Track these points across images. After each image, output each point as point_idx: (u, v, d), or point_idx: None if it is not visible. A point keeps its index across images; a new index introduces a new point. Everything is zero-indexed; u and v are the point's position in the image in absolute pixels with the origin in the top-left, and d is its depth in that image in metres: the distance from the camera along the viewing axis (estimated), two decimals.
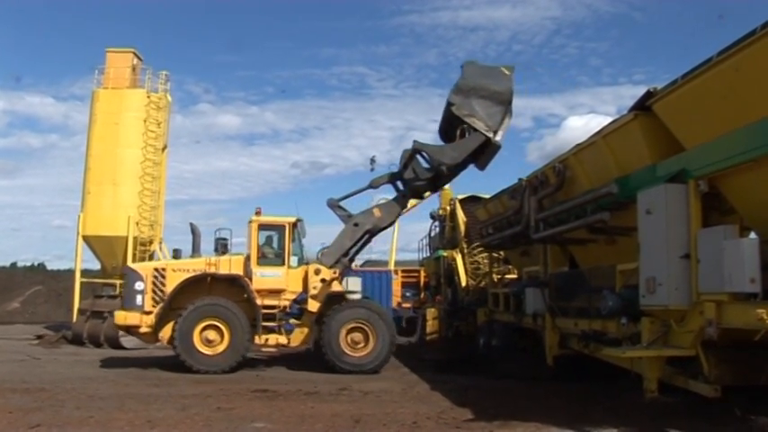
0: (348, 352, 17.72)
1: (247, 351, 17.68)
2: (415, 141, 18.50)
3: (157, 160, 31.32)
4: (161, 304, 17.62)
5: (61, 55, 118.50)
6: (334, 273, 18.33)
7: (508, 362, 16.75)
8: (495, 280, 21.67)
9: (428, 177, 18.57)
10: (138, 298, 17.74)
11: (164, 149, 32.23)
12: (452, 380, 15.24)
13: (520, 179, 15.94)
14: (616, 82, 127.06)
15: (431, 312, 27.57)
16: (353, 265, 34.75)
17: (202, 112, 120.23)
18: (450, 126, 18.18)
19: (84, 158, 31.37)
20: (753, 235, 9.22)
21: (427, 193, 21.80)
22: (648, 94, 10.20)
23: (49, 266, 73.43)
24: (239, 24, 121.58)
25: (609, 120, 12.04)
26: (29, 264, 77.06)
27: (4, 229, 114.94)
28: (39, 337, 26.98)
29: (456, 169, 18.52)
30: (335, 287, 18.51)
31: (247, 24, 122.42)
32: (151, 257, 29.57)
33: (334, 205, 19.08)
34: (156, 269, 18.15)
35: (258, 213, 18.74)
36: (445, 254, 27.14)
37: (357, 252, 19.88)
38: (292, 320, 18.51)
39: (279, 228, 18.75)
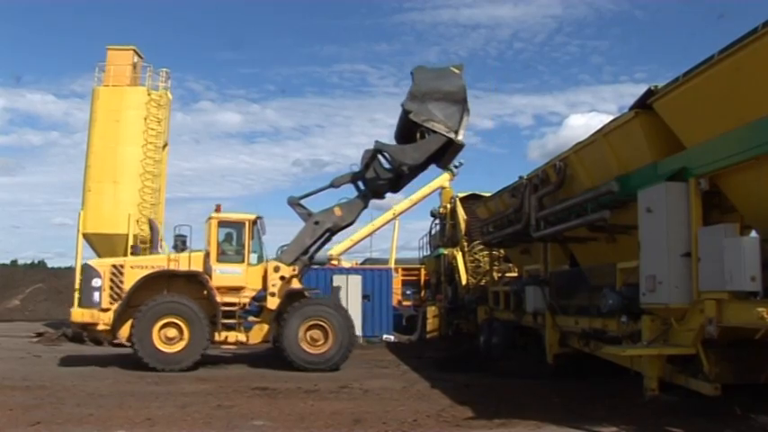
0: (307, 349, 17.62)
1: (206, 348, 17.51)
2: (376, 142, 18.67)
3: (158, 158, 31.31)
4: (119, 302, 17.43)
5: (62, 52, 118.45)
6: (294, 270, 18.32)
7: (508, 360, 16.75)
8: (496, 278, 21.69)
9: (389, 178, 18.74)
10: (96, 295, 17.53)
11: (164, 147, 32.23)
12: (452, 378, 15.24)
13: (520, 177, 15.95)
14: (617, 80, 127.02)
15: (431, 310, 27.70)
16: (354, 262, 35.13)
17: (203, 110, 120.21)
18: (409, 131, 18.41)
19: (85, 156, 31.38)
20: (753, 233, 9.21)
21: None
22: (649, 93, 10.20)
23: (50, 264, 73.75)
24: (240, 22, 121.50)
25: (610, 118, 12.05)
26: (29, 261, 77.34)
27: (5, 227, 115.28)
28: (39, 334, 26.97)
29: (417, 170, 18.76)
30: (295, 284, 18.48)
31: (248, 22, 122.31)
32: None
33: (294, 203, 19.15)
34: (114, 266, 17.89)
35: (218, 210, 18.75)
36: (446, 252, 27.21)
37: (317, 250, 19.80)
38: (251, 318, 18.41)
39: (239, 225, 18.71)
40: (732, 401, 9.68)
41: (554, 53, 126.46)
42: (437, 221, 30.12)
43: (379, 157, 18.61)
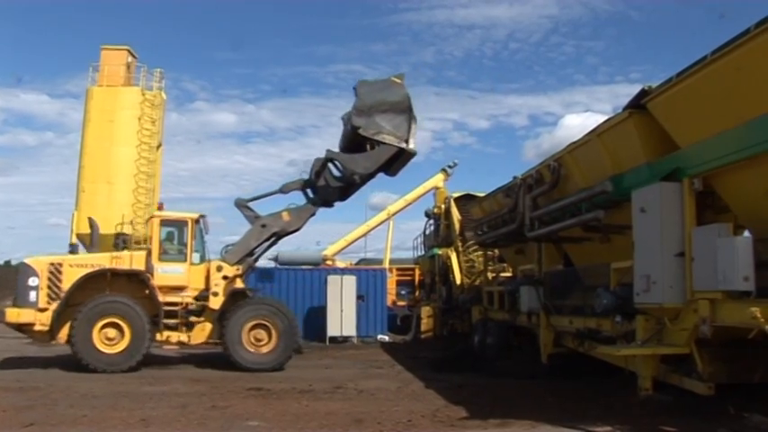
0: (250, 349, 17.54)
1: (148, 349, 17.23)
2: (328, 151, 18.79)
3: (152, 158, 31.33)
4: (58, 301, 17.07)
5: (56, 52, 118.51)
6: (237, 270, 18.19)
7: (503, 360, 16.78)
8: (490, 278, 21.70)
9: (340, 186, 18.81)
10: (32, 294, 17.08)
11: (158, 147, 32.24)
12: (447, 378, 15.24)
13: (515, 177, 15.97)
14: (612, 80, 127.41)
15: (426, 310, 27.73)
16: (349, 262, 35.12)
17: (198, 110, 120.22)
18: (357, 144, 18.61)
19: (79, 156, 31.36)
20: (746, 233, 9.23)
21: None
22: (643, 93, 10.21)
23: None
24: (236, 22, 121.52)
25: (605, 118, 12.07)
26: None
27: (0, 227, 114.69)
28: None
29: (368, 178, 18.84)
30: (238, 284, 18.37)
31: (244, 22, 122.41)
32: None
33: (241, 205, 19.11)
34: (52, 264, 17.43)
35: (160, 208, 18.72)
36: (440, 252, 27.25)
37: (262, 253, 19.74)
38: (193, 318, 18.14)
39: (181, 223, 18.53)
40: (726, 401, 9.70)
41: (550, 53, 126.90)
42: (431, 221, 30.13)
43: (330, 165, 18.70)
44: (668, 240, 9.66)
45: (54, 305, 17.06)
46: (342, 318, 25.74)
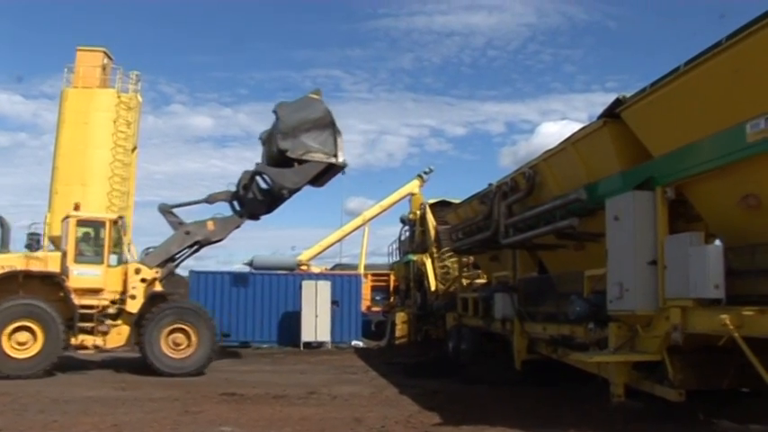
0: (169, 354, 17.26)
1: (62, 353, 16.71)
2: (257, 164, 18.99)
3: (127, 161, 31.15)
4: None
5: (31, 53, 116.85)
6: (157, 272, 17.99)
7: (477, 366, 16.78)
8: (465, 284, 21.76)
9: (267, 200, 18.94)
10: None
11: (133, 150, 32.08)
12: (421, 384, 15.24)
13: (490, 184, 16.03)
14: (589, 89, 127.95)
15: (400, 316, 27.77)
16: (323, 268, 35.10)
17: (174, 113, 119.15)
18: (284, 162, 18.72)
19: (53, 158, 31.10)
20: (717, 242, 9.33)
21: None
22: (617, 102, 10.31)
23: None
24: (214, 25, 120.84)
25: (581, 126, 12.16)
26: None
27: None
28: None
29: (296, 192, 19.01)
30: (157, 287, 18.10)
31: (223, 25, 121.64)
32: None
33: (165, 211, 19.14)
34: None
35: (76, 208, 18.23)
36: (415, 258, 27.29)
37: (183, 259, 19.69)
38: (110, 321, 17.67)
39: (98, 224, 18.19)
40: (696, 407, 9.80)
41: (527, 61, 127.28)
42: (407, 228, 30.19)
43: (258, 178, 18.78)
44: (641, 248, 9.76)
45: None
46: (316, 323, 25.76)
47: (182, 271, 22.78)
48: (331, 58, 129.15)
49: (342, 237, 36.44)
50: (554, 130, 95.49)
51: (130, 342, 17.88)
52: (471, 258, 21.54)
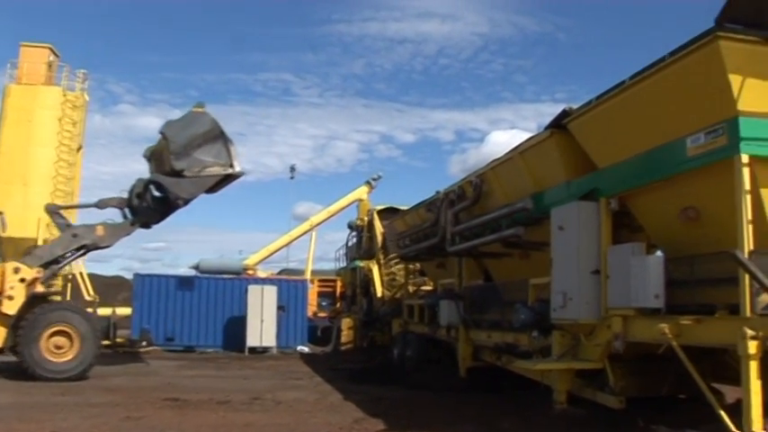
0: (50, 357, 16.57)
1: None
2: (152, 173, 18.72)
3: (72, 161, 30.66)
4: None
5: None
6: (39, 273, 17.32)
7: (422, 373, 16.85)
8: (411, 291, 21.85)
9: (160, 209, 18.63)
10: None
11: (79, 150, 31.60)
12: (366, 390, 15.26)
13: (437, 192, 16.13)
14: (538, 99, 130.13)
15: (346, 322, 27.77)
16: (270, 272, 34.95)
17: (123, 113, 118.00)
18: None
19: None
20: (659, 253, 9.54)
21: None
22: (564, 114, 10.46)
23: None
24: (166, 25, 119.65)
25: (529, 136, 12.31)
26: None
27: None
28: None
29: (191, 201, 18.78)
30: (38, 288, 17.37)
31: (174, 25, 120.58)
32: None
33: (53, 212, 18.76)
34: None
35: None
36: (362, 264, 27.32)
37: (69, 262, 19.33)
38: None
39: None
40: (636, 414, 9.99)
41: (478, 70, 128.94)
42: (354, 233, 30.20)
43: (151, 187, 18.47)
44: (585, 258, 9.93)
45: None
46: (262, 328, 25.61)
47: (126, 274, 22.47)
48: (283, 62, 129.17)
49: (289, 241, 36.38)
50: (504, 139, 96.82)
51: (7, 345, 16.99)
52: (418, 265, 21.62)
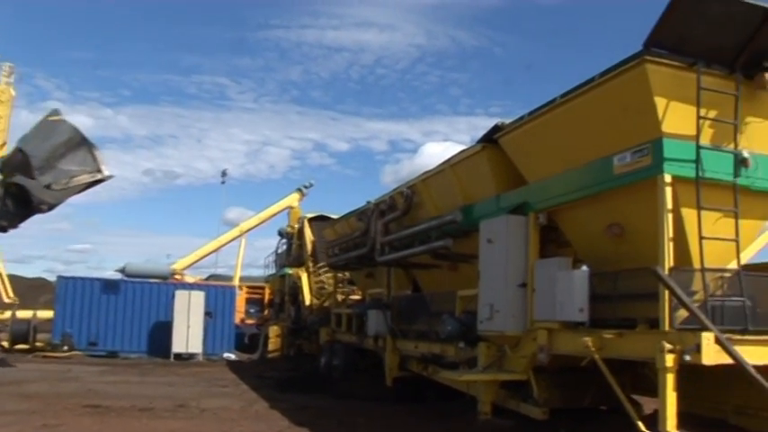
0: None
1: None
2: (17, 176, 18.12)
3: None
4: None
5: None
6: None
7: (349, 382, 16.86)
8: (339, 300, 21.85)
9: (22, 212, 18.28)
10: None
11: (3, 146, 30.74)
12: (292, 399, 15.19)
13: (368, 201, 16.19)
14: (473, 112, 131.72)
15: (274, 330, 27.62)
16: (198, 278, 34.53)
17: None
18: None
19: None
20: (584, 267, 9.75)
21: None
22: (496, 128, 10.64)
23: None
24: (99, 21, 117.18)
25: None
26: None
27: None
28: None
29: (56, 206, 18.50)
30: None
31: (108, 23, 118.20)
32: None
33: None
34: None
35: None
36: (291, 272, 27.24)
37: None
38: None
39: None
40: (558, 424, 10.17)
41: (414, 82, 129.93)
42: (284, 241, 30.12)
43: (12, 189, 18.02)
44: (512, 271, 10.07)
45: None
46: (188, 334, 25.29)
47: (48, 276, 21.95)
48: (218, 66, 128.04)
49: (218, 247, 35.99)
50: (437, 151, 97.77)
51: None
52: (347, 274, 21.65)
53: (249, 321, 32.90)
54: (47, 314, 27.52)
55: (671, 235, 7.68)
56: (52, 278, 24.76)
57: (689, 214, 7.84)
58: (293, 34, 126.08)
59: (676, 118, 7.74)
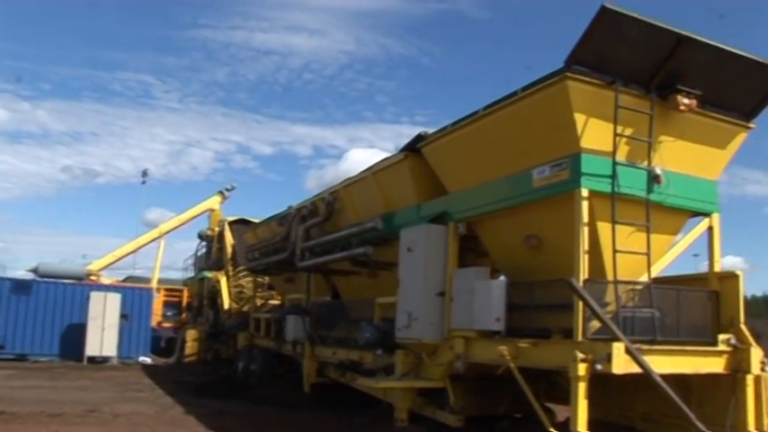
0: None
1: None
2: None
3: None
4: None
5: None
6: None
7: (266, 387, 16.77)
8: (258, 305, 21.71)
9: None
10: None
11: None
12: (209, 404, 15.02)
13: (290, 206, 16.15)
14: (398, 121, 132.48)
15: (191, 334, 27.26)
16: (114, 279, 33.85)
17: None
18: None
19: None
20: (502, 277, 9.92)
21: None
22: (419, 138, 10.74)
23: None
24: (18, 12, 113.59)
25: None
26: None
27: None
28: None
29: None
30: None
31: (29, 14, 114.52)
32: None
33: None
34: None
35: None
36: (210, 275, 26.93)
37: None
38: None
39: None
40: (474, 431, 10.31)
41: (342, 88, 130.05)
42: (204, 244, 29.78)
43: None
44: (431, 280, 10.18)
45: None
46: (102, 337, 24.71)
47: None
48: (143, 63, 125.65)
49: (136, 248, 35.28)
50: (363, 158, 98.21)
51: None
52: (266, 279, 21.54)
53: (166, 325, 32.39)
54: None
55: (586, 248, 7.87)
56: None
57: (604, 228, 8.06)
58: (221, 35, 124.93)
59: (594, 134, 7.96)
